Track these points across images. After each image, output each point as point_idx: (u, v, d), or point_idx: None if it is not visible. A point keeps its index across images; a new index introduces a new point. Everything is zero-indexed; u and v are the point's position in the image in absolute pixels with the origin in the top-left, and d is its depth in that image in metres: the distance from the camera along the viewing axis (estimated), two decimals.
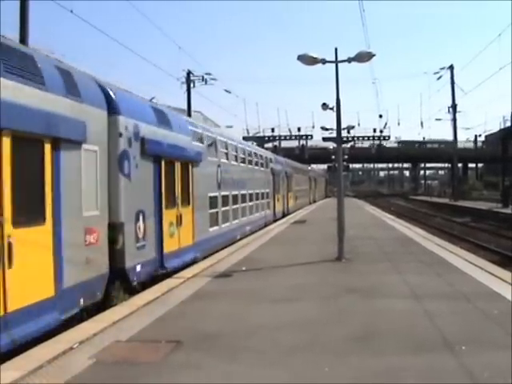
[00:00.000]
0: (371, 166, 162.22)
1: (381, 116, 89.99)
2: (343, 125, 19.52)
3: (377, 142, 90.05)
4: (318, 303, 9.92)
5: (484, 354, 6.73)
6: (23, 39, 17.34)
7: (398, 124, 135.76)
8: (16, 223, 7.55)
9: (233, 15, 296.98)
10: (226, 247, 19.00)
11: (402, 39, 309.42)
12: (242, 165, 25.48)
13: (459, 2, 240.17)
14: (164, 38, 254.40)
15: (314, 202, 65.81)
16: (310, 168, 67.94)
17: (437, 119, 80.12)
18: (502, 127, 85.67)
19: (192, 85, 42.99)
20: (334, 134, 18.04)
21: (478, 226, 36.30)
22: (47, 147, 8.52)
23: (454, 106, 65.57)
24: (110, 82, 11.83)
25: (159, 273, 13.04)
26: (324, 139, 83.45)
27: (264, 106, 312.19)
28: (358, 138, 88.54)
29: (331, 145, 68.80)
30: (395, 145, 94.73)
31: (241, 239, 21.90)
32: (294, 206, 45.24)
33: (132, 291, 11.34)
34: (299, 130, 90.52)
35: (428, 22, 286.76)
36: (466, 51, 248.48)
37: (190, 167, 15.96)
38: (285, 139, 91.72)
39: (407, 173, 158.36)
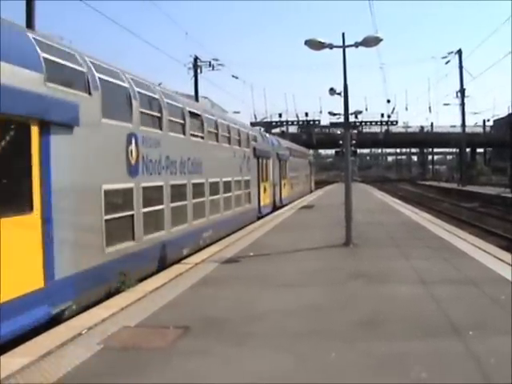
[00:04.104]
0: (379, 151, 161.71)
1: (389, 101, 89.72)
2: (351, 110, 19.47)
3: (385, 127, 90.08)
4: (326, 288, 9.94)
5: (491, 340, 6.72)
6: (30, 25, 17.29)
7: (406, 109, 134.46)
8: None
9: (240, 1, 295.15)
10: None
11: (409, 24, 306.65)
12: None
13: (467, 2, 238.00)
14: (171, 23, 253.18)
15: (276, 207, 30.99)
16: (268, 136, 34.93)
17: (445, 104, 79.33)
18: (511, 112, 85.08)
19: (199, 70, 42.88)
20: (342, 119, 17.97)
21: (486, 211, 36.20)
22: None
23: (462, 91, 65.25)
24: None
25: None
26: (332, 124, 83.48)
27: (271, 92, 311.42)
28: (365, 122, 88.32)
29: (337, 130, 68.58)
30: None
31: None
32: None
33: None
34: (307, 115, 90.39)
35: (436, 9, 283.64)
36: (474, 35, 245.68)
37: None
38: (292, 124, 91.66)
39: (415, 158, 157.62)
